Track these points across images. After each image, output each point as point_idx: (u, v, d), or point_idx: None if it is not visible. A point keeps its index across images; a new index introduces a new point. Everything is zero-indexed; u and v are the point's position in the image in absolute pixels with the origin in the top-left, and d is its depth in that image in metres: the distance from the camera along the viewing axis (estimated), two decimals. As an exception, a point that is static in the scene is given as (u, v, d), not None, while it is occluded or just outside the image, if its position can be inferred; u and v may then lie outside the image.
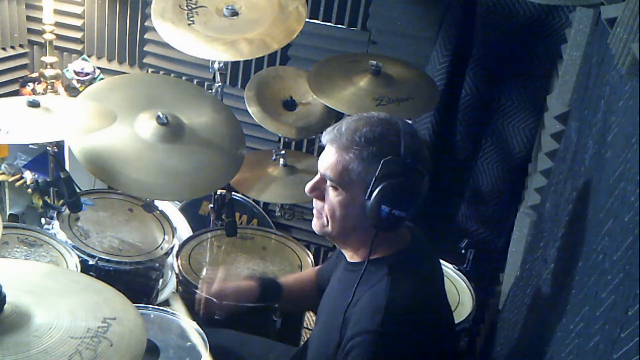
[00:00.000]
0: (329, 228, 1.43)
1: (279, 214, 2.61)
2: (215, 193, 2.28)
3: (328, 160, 1.38)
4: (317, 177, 1.43)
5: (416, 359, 1.33)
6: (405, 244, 1.45)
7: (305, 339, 2.25)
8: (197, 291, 1.84)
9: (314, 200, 1.45)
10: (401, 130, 1.35)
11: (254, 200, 2.91)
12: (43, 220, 2.16)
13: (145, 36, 3.03)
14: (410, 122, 2.66)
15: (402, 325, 1.31)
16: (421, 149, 1.38)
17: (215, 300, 1.76)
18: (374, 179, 1.31)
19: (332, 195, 1.39)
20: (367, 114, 1.40)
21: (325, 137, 1.40)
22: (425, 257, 1.51)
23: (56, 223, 2.11)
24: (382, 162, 1.31)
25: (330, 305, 1.49)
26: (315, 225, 1.47)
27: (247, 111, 2.39)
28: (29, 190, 2.91)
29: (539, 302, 1.56)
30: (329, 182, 1.39)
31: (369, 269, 1.37)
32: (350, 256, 1.48)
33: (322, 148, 1.43)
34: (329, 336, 1.40)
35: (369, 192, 1.32)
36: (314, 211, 1.46)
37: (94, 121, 1.90)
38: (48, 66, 2.90)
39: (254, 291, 1.77)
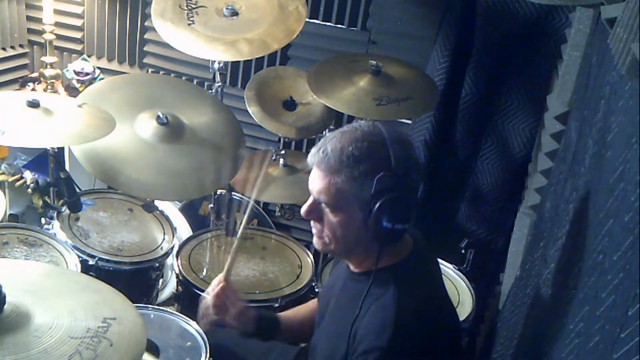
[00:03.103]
0: (332, 246, 1.41)
1: (279, 214, 2.62)
2: (215, 193, 2.27)
3: (319, 184, 1.35)
4: (311, 200, 1.40)
5: None
6: (408, 250, 1.43)
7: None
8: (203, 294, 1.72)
9: (312, 221, 1.42)
10: (387, 139, 1.31)
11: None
12: (43, 220, 2.16)
13: (145, 36, 3.03)
14: (410, 122, 2.69)
15: (411, 339, 1.30)
16: (411, 155, 1.35)
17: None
18: (370, 197, 1.28)
19: (331, 217, 1.37)
20: (349, 128, 1.36)
21: (311, 159, 1.37)
22: (427, 260, 1.50)
23: (56, 223, 2.11)
24: (376, 179, 1.28)
25: (335, 313, 1.48)
26: (317, 244, 1.44)
27: (247, 111, 2.39)
28: (29, 190, 2.91)
29: (539, 302, 1.56)
30: (324, 205, 1.37)
31: (375, 279, 1.36)
32: (355, 266, 1.46)
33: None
34: (336, 346, 1.38)
35: (367, 210, 1.30)
36: (314, 231, 1.44)
37: (94, 129, 1.88)
38: (48, 66, 2.90)
39: (252, 321, 1.68)
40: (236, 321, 1.66)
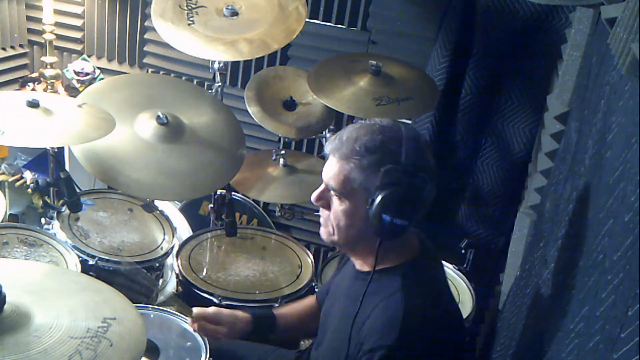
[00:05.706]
0: (335, 237, 1.43)
1: (279, 214, 2.61)
2: (215, 193, 2.27)
3: (330, 170, 1.38)
4: (322, 186, 1.42)
5: None
6: (415, 252, 1.44)
7: (304, 342, 2.24)
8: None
9: (321, 209, 1.45)
10: (403, 137, 1.34)
11: (254, 200, 2.91)
12: (43, 220, 2.16)
13: (145, 36, 3.03)
14: (410, 122, 2.68)
15: (418, 339, 1.31)
16: (424, 156, 1.37)
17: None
18: (375, 189, 1.31)
19: (337, 205, 1.39)
20: (370, 121, 1.39)
21: (328, 146, 1.40)
22: (433, 263, 1.51)
23: (56, 223, 2.11)
24: (382, 171, 1.30)
25: (339, 313, 1.48)
26: (323, 233, 1.47)
27: (247, 111, 2.39)
28: (29, 190, 2.91)
29: (539, 302, 1.56)
30: (332, 192, 1.39)
31: (381, 278, 1.37)
32: (360, 264, 1.47)
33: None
34: (339, 346, 1.39)
35: (370, 201, 1.31)
36: (321, 219, 1.46)
37: (94, 129, 1.87)
38: (48, 66, 2.90)
39: (247, 325, 1.70)
40: (231, 337, 1.68)
